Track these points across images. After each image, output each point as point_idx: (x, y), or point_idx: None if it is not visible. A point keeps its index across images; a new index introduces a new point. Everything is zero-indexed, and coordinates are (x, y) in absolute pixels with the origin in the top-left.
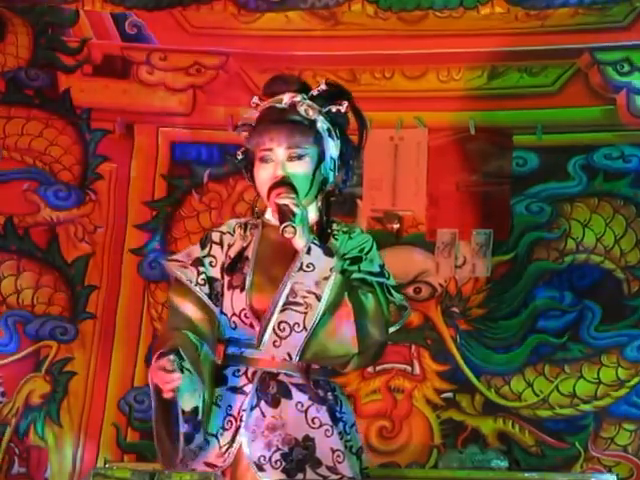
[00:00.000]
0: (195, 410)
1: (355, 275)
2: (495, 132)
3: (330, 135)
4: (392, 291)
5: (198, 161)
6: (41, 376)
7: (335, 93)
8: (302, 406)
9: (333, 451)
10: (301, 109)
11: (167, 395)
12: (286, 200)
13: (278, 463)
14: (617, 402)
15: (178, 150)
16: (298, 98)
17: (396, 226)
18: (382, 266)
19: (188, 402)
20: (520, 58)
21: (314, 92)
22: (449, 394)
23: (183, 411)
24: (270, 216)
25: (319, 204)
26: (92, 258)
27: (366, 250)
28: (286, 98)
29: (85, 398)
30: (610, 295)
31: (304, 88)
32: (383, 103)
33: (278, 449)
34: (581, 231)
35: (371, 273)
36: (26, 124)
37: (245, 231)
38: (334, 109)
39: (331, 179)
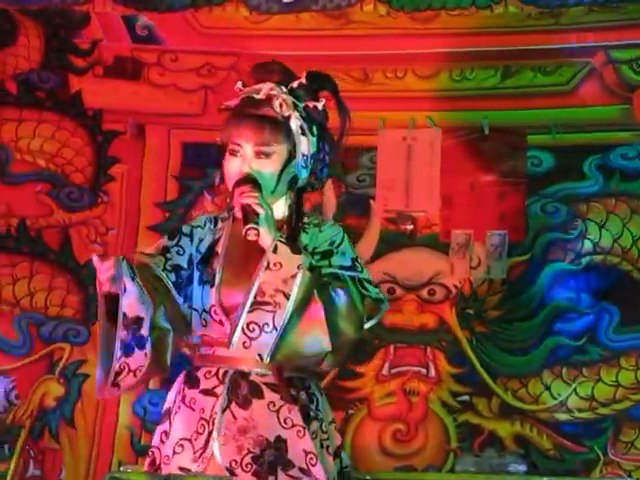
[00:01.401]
0: (138, 320)
1: (326, 270)
2: (509, 132)
3: (304, 132)
4: (366, 285)
5: (210, 162)
6: (55, 378)
7: (318, 85)
8: (274, 406)
9: (306, 453)
10: (275, 104)
11: (104, 287)
12: (249, 200)
13: (249, 466)
14: (636, 405)
15: (190, 151)
16: (275, 91)
17: (410, 227)
18: (355, 259)
19: (131, 308)
20: (534, 57)
21: (294, 85)
22: (465, 397)
23: (124, 315)
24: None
25: (289, 201)
26: None
27: (337, 243)
28: (264, 89)
29: (99, 401)
30: (628, 297)
31: (287, 78)
32: (395, 103)
33: (249, 452)
34: (598, 232)
35: (342, 267)
36: (38, 126)
37: (215, 225)
38: (311, 105)
39: (303, 176)
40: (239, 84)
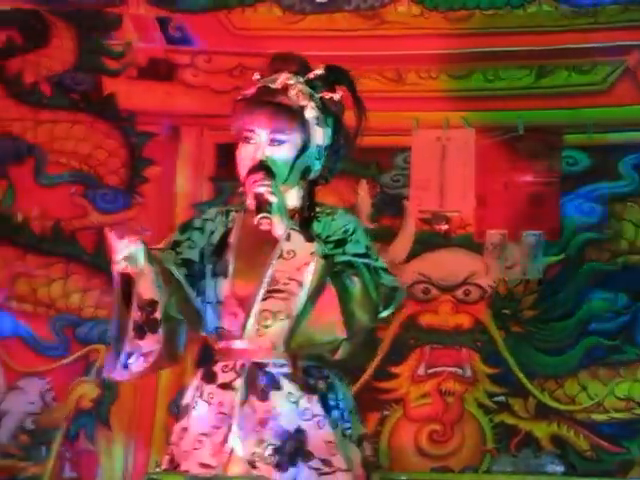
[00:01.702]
0: (152, 303)
1: (339, 258)
2: (544, 131)
3: (319, 123)
4: (381, 273)
5: None
6: (91, 380)
7: (335, 78)
8: (293, 397)
9: (326, 443)
10: (292, 93)
11: (119, 267)
12: (262, 189)
13: (270, 458)
14: None
15: (223, 152)
16: (292, 81)
17: (444, 227)
18: (368, 247)
19: (147, 290)
20: (568, 56)
21: (311, 76)
22: (501, 397)
23: (139, 295)
24: (251, 200)
25: (302, 191)
26: None
27: (350, 231)
28: (280, 79)
29: (135, 401)
30: None
31: (304, 70)
32: (429, 103)
33: (270, 444)
34: (633, 231)
35: (356, 255)
36: (72, 128)
37: (227, 218)
38: (327, 96)
39: (316, 167)
40: (256, 75)
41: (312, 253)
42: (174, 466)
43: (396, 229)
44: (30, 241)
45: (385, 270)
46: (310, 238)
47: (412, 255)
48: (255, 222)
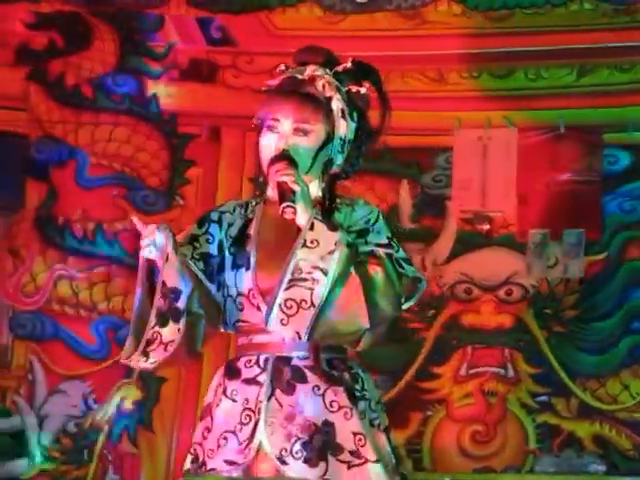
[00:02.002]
0: (176, 292)
1: (362, 248)
2: (585, 130)
3: (344, 116)
4: (403, 263)
5: None
6: (133, 382)
7: (362, 72)
8: (319, 389)
9: (354, 434)
10: (319, 84)
11: (144, 253)
12: (285, 177)
13: (299, 453)
14: None
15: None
16: (319, 72)
17: (486, 227)
18: (390, 237)
19: (171, 278)
20: (609, 54)
21: (338, 68)
22: (544, 397)
23: (164, 283)
24: (272, 191)
25: (322, 184)
26: None
27: (372, 221)
28: (308, 70)
29: (176, 403)
30: None
31: (331, 62)
32: (471, 102)
33: (298, 438)
34: None
35: (379, 245)
36: (114, 130)
37: (246, 210)
38: (354, 89)
39: (338, 161)
40: (282, 66)
41: (336, 242)
42: (199, 465)
43: (437, 229)
44: (72, 244)
45: (407, 261)
46: (334, 227)
47: (454, 255)
48: (279, 211)
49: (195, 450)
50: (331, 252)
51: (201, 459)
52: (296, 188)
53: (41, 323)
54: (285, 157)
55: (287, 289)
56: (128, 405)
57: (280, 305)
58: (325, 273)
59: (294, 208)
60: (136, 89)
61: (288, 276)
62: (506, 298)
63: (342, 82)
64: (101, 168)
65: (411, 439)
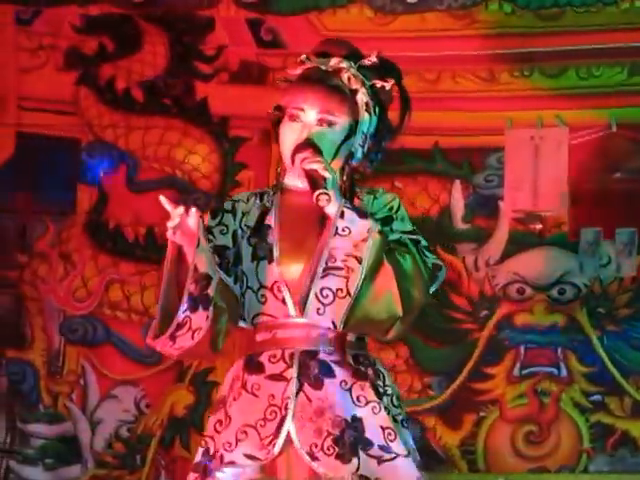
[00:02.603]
0: (207, 278)
1: (390, 236)
2: (637, 128)
3: (368, 110)
4: (425, 251)
5: None
6: (184, 387)
7: (385, 69)
8: (346, 384)
9: (383, 429)
10: (344, 76)
11: (172, 235)
12: (315, 165)
13: (331, 449)
14: None
15: None
16: (345, 64)
17: (538, 227)
18: (414, 225)
19: (202, 264)
20: None
21: (364, 62)
22: (598, 396)
23: (196, 268)
24: (290, 180)
25: (343, 177)
26: None
27: (395, 209)
28: (333, 61)
29: None
30: None
31: (355, 56)
32: (522, 102)
33: (329, 434)
34: None
35: (405, 232)
36: (164, 133)
37: (261, 200)
38: (379, 84)
39: (359, 155)
40: (303, 56)
41: (369, 230)
42: (210, 457)
43: (490, 230)
44: (123, 248)
45: (428, 249)
46: (364, 215)
47: (506, 255)
48: (314, 199)
49: (206, 443)
50: (364, 240)
51: (213, 452)
52: (327, 175)
53: (93, 328)
54: (311, 145)
55: (322, 278)
56: (180, 410)
57: (316, 294)
58: (359, 261)
59: (328, 195)
60: (186, 92)
61: (323, 265)
62: (559, 297)
63: (366, 76)
64: (152, 172)
65: (465, 440)
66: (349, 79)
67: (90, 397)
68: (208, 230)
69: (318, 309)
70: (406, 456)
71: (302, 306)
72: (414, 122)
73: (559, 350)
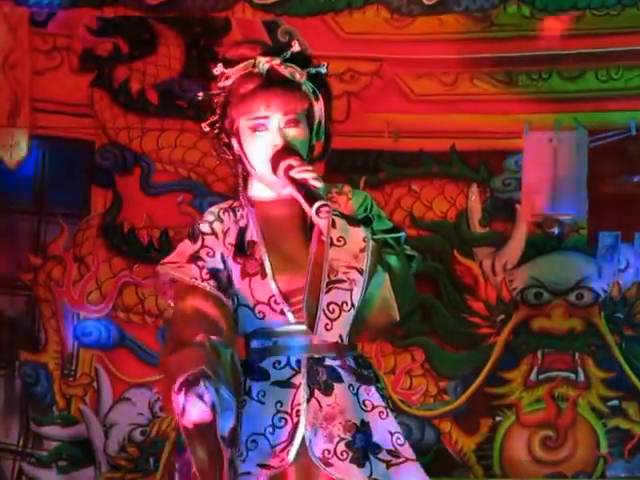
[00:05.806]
0: (233, 430)
1: (375, 238)
2: None
3: (316, 97)
4: (404, 245)
5: (354, 168)
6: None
7: (304, 57)
8: (353, 388)
9: (392, 434)
10: (286, 72)
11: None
12: (304, 174)
13: (344, 454)
14: None
15: (333, 157)
16: (277, 61)
17: (557, 231)
18: (390, 220)
19: (225, 424)
20: None
21: (287, 55)
22: (615, 402)
23: (222, 437)
24: (256, 192)
25: None
26: None
27: (369, 207)
28: (262, 62)
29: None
30: None
31: (269, 51)
32: (541, 105)
33: (341, 439)
34: None
35: (386, 231)
36: (179, 136)
37: (235, 215)
38: (314, 70)
39: (313, 144)
40: (219, 67)
41: (364, 238)
42: None
43: (507, 233)
44: (137, 250)
45: (404, 239)
46: (355, 222)
47: (524, 259)
48: (313, 213)
49: None
50: (362, 250)
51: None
52: (318, 184)
53: (107, 330)
54: (293, 152)
55: (327, 293)
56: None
57: (324, 310)
58: (361, 272)
59: (329, 207)
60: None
61: (325, 279)
62: (577, 302)
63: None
64: (167, 174)
65: (481, 445)
66: (292, 74)
67: (104, 400)
68: (196, 256)
69: (326, 325)
70: (415, 460)
71: (311, 325)
72: (431, 125)
73: (577, 355)
